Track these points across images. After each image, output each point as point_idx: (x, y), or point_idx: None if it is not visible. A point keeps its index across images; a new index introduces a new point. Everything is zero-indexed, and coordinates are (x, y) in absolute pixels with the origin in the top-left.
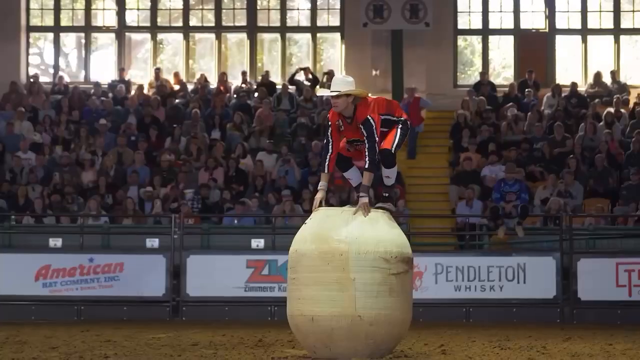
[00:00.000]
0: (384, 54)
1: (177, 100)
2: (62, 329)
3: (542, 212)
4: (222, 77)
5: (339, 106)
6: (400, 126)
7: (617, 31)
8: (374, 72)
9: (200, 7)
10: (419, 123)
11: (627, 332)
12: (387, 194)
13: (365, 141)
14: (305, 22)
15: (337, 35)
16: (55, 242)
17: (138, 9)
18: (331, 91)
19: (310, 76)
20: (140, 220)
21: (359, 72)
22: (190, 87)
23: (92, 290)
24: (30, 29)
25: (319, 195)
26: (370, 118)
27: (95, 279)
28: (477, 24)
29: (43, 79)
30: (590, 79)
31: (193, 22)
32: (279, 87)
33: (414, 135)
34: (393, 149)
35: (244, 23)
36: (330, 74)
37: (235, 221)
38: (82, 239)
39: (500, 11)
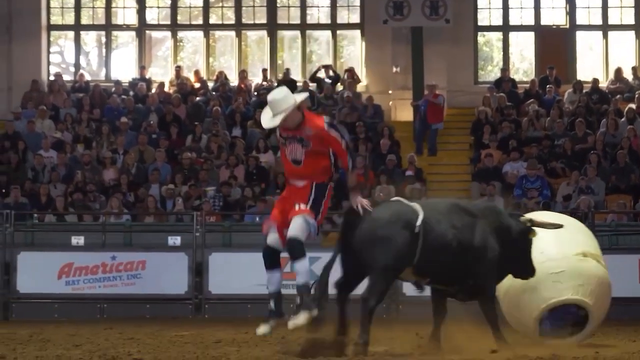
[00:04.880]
0: (404, 51)
1: (197, 98)
2: (85, 326)
3: (564, 209)
4: (243, 75)
5: (292, 122)
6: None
7: (638, 27)
8: (394, 69)
9: (220, 4)
10: (440, 120)
11: None
12: None
13: (342, 145)
14: (325, 19)
15: (357, 33)
16: (78, 240)
17: (158, 7)
18: (275, 117)
19: (331, 73)
20: (162, 218)
21: (379, 69)
22: (210, 84)
23: (115, 288)
24: (51, 27)
25: None
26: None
27: (118, 276)
28: (498, 21)
29: (64, 77)
30: (612, 75)
31: (213, 19)
32: (299, 84)
33: (434, 132)
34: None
35: (264, 20)
36: (351, 72)
37: (257, 218)
38: (104, 237)
39: (521, 7)
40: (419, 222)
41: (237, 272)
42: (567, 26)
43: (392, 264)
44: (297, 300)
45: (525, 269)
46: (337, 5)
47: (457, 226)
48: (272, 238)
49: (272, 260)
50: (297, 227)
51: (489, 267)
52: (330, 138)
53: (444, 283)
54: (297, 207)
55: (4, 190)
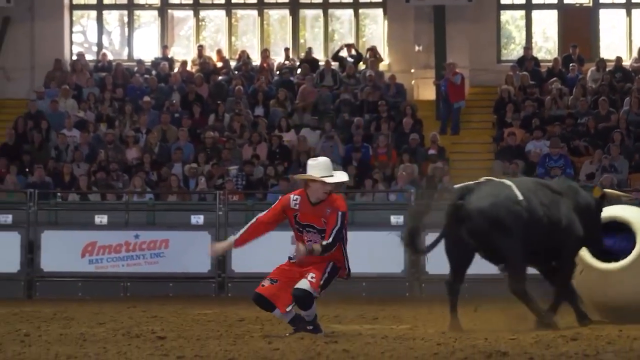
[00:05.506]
0: (427, 30)
1: (220, 77)
2: (108, 305)
3: None
4: (265, 54)
5: (321, 195)
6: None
7: None
8: (416, 48)
9: None
10: (461, 99)
11: None
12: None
13: (336, 227)
14: None
15: (380, 11)
16: (101, 219)
17: None
18: (330, 176)
19: (353, 52)
20: (184, 197)
21: (402, 48)
22: (233, 64)
23: (138, 266)
24: (74, 7)
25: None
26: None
27: (141, 255)
28: None
29: (87, 57)
30: (635, 53)
31: None
32: (321, 63)
33: (456, 111)
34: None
35: (286, 0)
36: (373, 51)
37: (279, 197)
38: (127, 215)
39: None
40: (520, 196)
41: (260, 251)
42: (590, 4)
43: (516, 245)
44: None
45: (598, 240)
46: None
47: (546, 203)
48: (264, 287)
49: (267, 306)
50: (308, 284)
51: (572, 246)
52: (333, 218)
53: (534, 262)
54: (309, 276)
55: (27, 170)
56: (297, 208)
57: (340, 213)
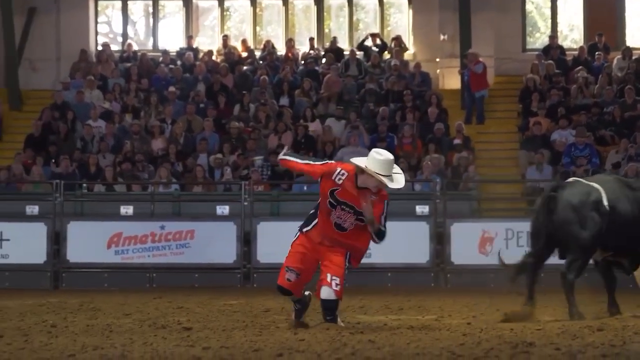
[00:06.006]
0: (452, 19)
1: (245, 67)
2: (134, 295)
3: None
4: (290, 44)
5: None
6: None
7: None
8: (441, 37)
9: None
10: (483, 88)
11: None
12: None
13: (383, 215)
14: None
15: (405, 0)
16: (127, 209)
17: None
18: (389, 177)
19: (378, 42)
20: (210, 187)
21: (427, 37)
22: (257, 54)
23: (164, 257)
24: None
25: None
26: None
27: (167, 246)
28: None
29: (112, 47)
30: None
31: None
32: (346, 53)
33: (479, 100)
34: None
35: None
36: (398, 40)
37: (305, 187)
38: (153, 206)
39: None
40: (605, 202)
41: (285, 241)
42: None
43: (589, 242)
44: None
45: None
46: None
47: (631, 200)
48: (290, 282)
49: (287, 293)
50: (334, 293)
51: None
52: (381, 205)
53: (622, 255)
54: (329, 279)
55: (53, 161)
56: (339, 183)
57: (386, 201)
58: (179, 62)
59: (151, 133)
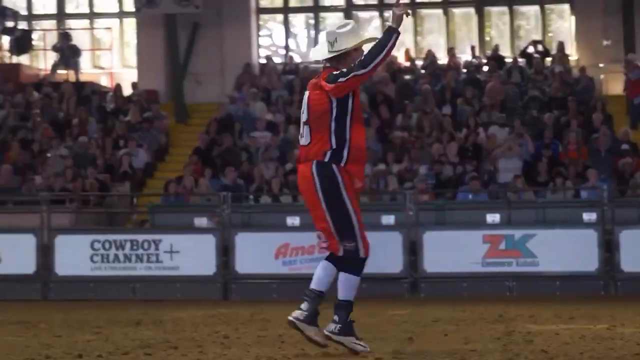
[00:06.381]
0: (616, 23)
1: (407, 77)
2: None
3: None
4: (451, 52)
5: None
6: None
7: None
8: (604, 42)
9: None
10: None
11: None
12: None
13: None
14: None
15: (566, 6)
16: (293, 220)
17: None
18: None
19: (540, 48)
20: (375, 197)
21: (590, 43)
22: (419, 63)
23: None
24: (260, 10)
25: None
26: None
27: None
28: None
29: (274, 59)
30: None
31: None
32: (508, 60)
33: (635, 107)
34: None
35: None
36: (561, 46)
37: (470, 196)
38: None
39: None
40: None
41: (451, 250)
42: None
43: None
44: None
45: None
46: None
47: None
48: None
49: None
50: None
51: None
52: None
53: None
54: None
55: (220, 173)
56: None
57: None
58: None
59: None
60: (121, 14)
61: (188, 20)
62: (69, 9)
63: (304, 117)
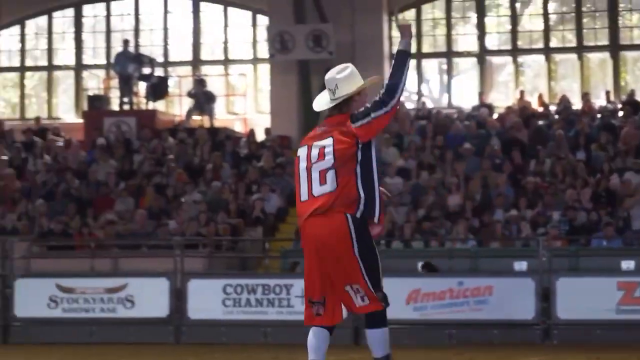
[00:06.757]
0: None
1: (540, 122)
2: (435, 352)
3: None
4: (586, 97)
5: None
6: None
7: None
8: None
9: (561, 27)
10: None
11: None
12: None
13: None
14: None
15: None
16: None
17: (498, 33)
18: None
19: None
20: (507, 243)
21: None
22: (552, 108)
23: (462, 313)
24: (393, 56)
25: None
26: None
27: (465, 302)
28: None
29: (407, 105)
30: None
31: (554, 43)
32: None
33: None
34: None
35: (606, 42)
36: None
37: (604, 242)
38: (450, 262)
39: None
40: None
41: (585, 297)
42: None
43: None
44: None
45: None
46: None
47: None
48: None
49: None
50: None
51: None
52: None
53: None
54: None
55: None
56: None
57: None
58: (473, 119)
59: (448, 189)
60: (255, 60)
61: (321, 66)
62: (204, 55)
63: (323, 165)
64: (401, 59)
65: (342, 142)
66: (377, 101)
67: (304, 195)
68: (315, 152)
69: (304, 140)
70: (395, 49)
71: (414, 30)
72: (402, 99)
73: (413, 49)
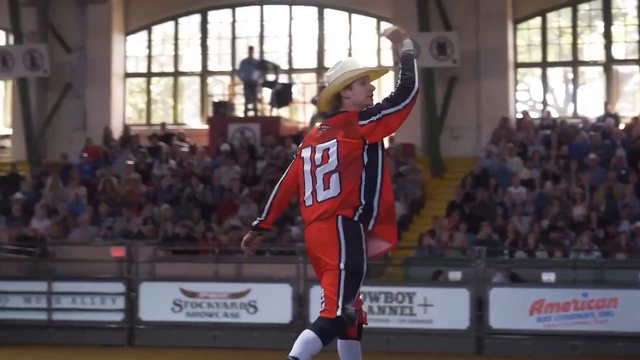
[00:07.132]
0: None
1: None
2: None
3: None
4: None
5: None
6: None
7: None
8: None
9: None
10: None
11: None
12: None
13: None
14: None
15: None
16: (548, 276)
17: (625, 42)
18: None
19: None
20: (633, 254)
21: None
22: None
23: (587, 325)
24: (518, 65)
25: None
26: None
27: (589, 314)
28: None
29: (531, 114)
30: None
31: None
32: None
33: None
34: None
35: None
36: None
37: None
38: (575, 273)
39: None
40: None
41: None
42: None
43: None
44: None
45: None
46: None
47: None
48: None
49: None
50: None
51: None
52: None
53: None
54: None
55: (475, 226)
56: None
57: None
58: (598, 129)
59: (572, 199)
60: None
61: (445, 74)
62: (328, 62)
63: (326, 168)
64: (407, 61)
65: (347, 144)
66: (387, 99)
67: (308, 200)
68: (319, 155)
69: (307, 139)
70: (519, 57)
71: (538, 38)
72: (525, 107)
73: (538, 58)
